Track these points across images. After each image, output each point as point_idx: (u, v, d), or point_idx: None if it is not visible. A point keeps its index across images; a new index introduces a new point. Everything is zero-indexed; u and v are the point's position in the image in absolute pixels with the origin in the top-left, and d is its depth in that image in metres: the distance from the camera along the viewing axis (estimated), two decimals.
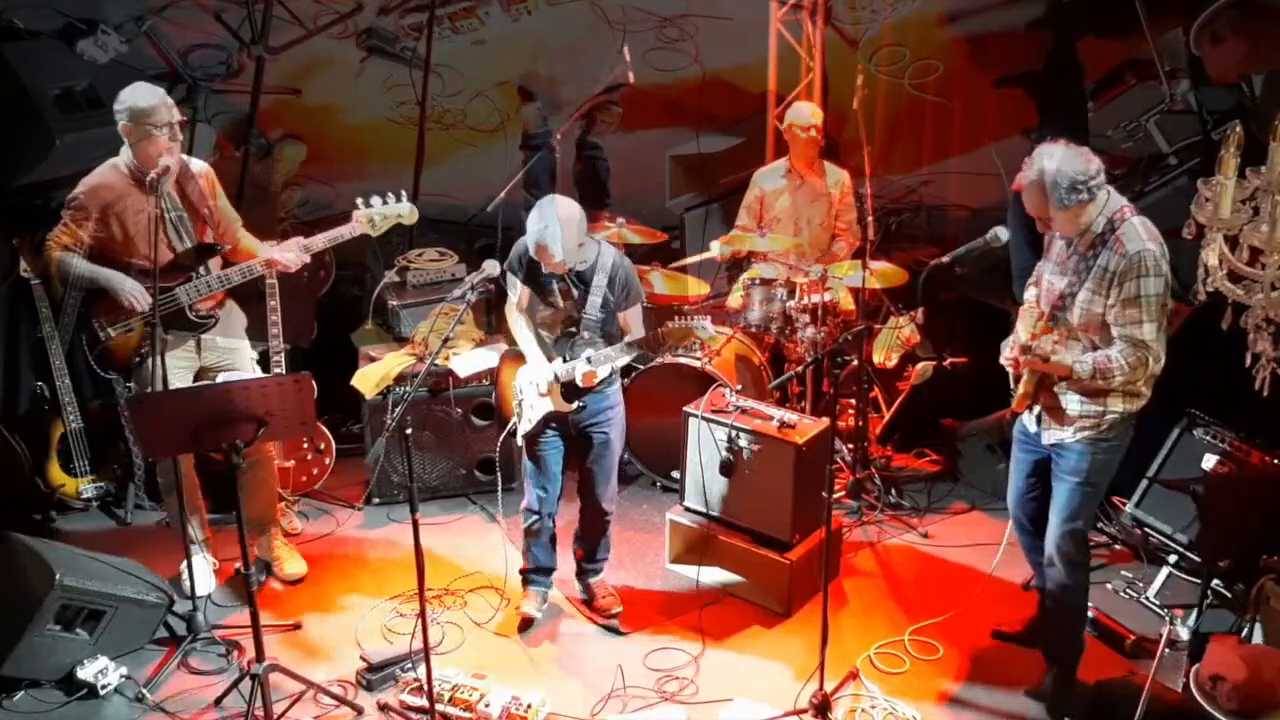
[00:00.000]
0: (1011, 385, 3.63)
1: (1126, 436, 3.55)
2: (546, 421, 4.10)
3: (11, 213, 5.13)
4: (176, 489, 4.28)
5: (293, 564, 4.65)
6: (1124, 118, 5.66)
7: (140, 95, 4.03)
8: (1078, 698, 3.77)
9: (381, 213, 4.26)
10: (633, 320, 4.07)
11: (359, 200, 4.25)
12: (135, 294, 4.08)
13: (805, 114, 5.46)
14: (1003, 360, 3.63)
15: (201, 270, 4.22)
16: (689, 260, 5.88)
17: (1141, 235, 3.32)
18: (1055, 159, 3.30)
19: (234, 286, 4.29)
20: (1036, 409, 3.60)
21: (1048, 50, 5.41)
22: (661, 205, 6.95)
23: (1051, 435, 3.59)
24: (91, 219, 4.04)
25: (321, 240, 4.23)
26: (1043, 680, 3.83)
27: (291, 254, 4.22)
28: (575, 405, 4.03)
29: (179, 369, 4.26)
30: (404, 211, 4.31)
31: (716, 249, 5.56)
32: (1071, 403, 3.49)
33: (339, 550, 4.89)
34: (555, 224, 3.74)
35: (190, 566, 4.22)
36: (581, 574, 4.46)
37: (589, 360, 3.93)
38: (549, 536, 4.33)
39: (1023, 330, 3.62)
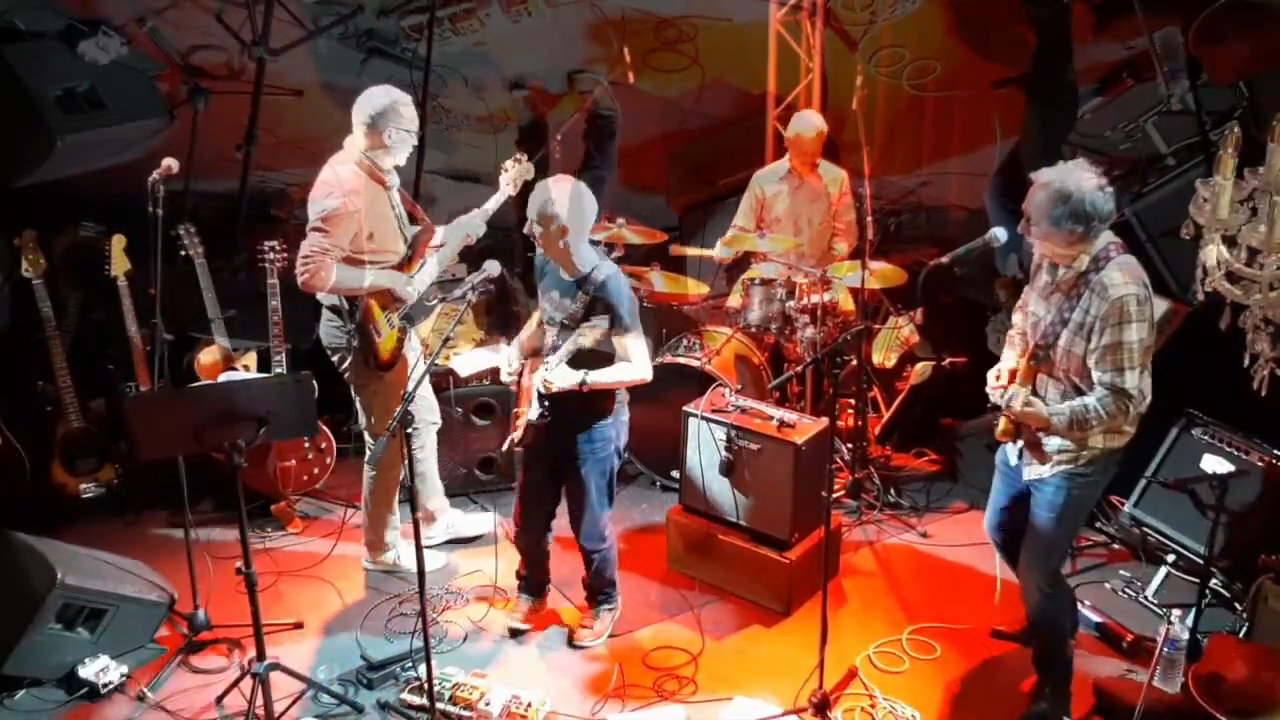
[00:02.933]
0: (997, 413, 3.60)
1: (1107, 474, 3.49)
2: (532, 431, 3.97)
3: (13, 213, 5.14)
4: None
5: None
6: (1122, 118, 5.67)
7: (402, 99, 4.10)
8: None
9: (518, 173, 4.43)
10: (626, 349, 3.86)
11: (502, 166, 4.45)
12: (408, 289, 4.23)
13: (810, 126, 5.44)
14: (989, 390, 3.58)
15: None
16: (689, 251, 5.88)
17: (1124, 278, 3.22)
18: (1081, 181, 3.18)
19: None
20: (1019, 443, 3.56)
21: (1038, 50, 5.42)
22: (662, 205, 6.96)
23: (1031, 471, 3.55)
24: (352, 227, 4.04)
25: (492, 205, 4.39)
26: (1036, 697, 3.81)
27: (479, 225, 4.39)
28: (538, 412, 3.89)
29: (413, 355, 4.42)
30: (529, 170, 4.46)
31: (719, 251, 5.57)
32: (1051, 438, 3.44)
33: (340, 549, 4.88)
34: (563, 192, 3.74)
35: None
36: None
37: (547, 368, 3.87)
38: (540, 550, 4.28)
39: (1009, 361, 3.59)
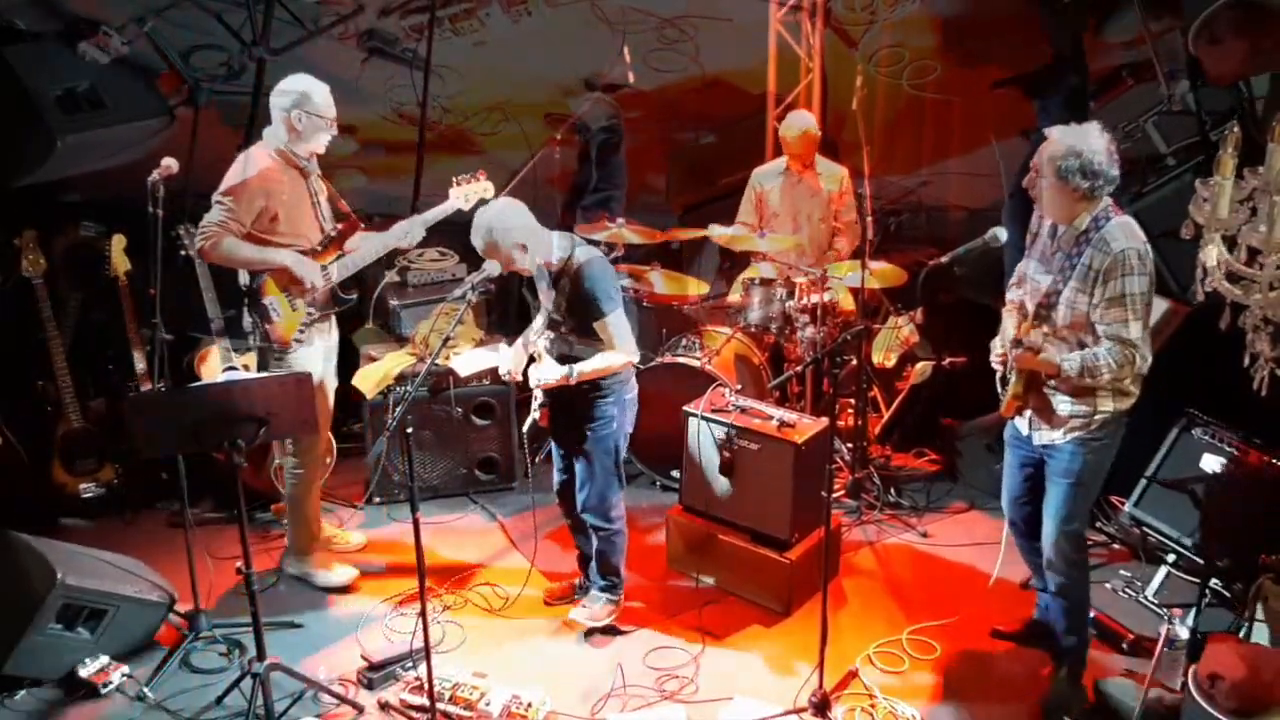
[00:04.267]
0: (999, 389, 3.65)
1: (1117, 435, 3.56)
2: (541, 418, 4.07)
3: (13, 213, 5.14)
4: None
5: (352, 536, 4.94)
6: (1122, 119, 5.67)
7: (316, 87, 4.16)
8: (1078, 698, 3.78)
9: (473, 191, 4.46)
10: (609, 333, 3.88)
11: (454, 179, 4.46)
12: (314, 274, 4.25)
13: (795, 127, 5.47)
14: (992, 361, 3.66)
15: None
16: (687, 234, 5.85)
17: (1125, 234, 3.34)
18: (1093, 141, 3.30)
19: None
20: (1027, 412, 3.61)
21: (1053, 51, 5.42)
22: (661, 205, 6.96)
23: (1042, 436, 3.60)
24: (256, 205, 4.11)
25: (434, 214, 4.42)
26: (1050, 682, 3.83)
27: (417, 231, 4.42)
28: (539, 402, 4.00)
29: (322, 348, 4.42)
30: (488, 189, 4.49)
31: (715, 231, 5.56)
32: (1061, 403, 3.51)
33: (340, 549, 4.88)
34: (492, 221, 3.79)
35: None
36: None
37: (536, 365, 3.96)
38: (578, 520, 4.26)
39: (1010, 329, 3.63)
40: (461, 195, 4.45)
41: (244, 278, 4.30)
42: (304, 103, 4.12)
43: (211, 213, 4.12)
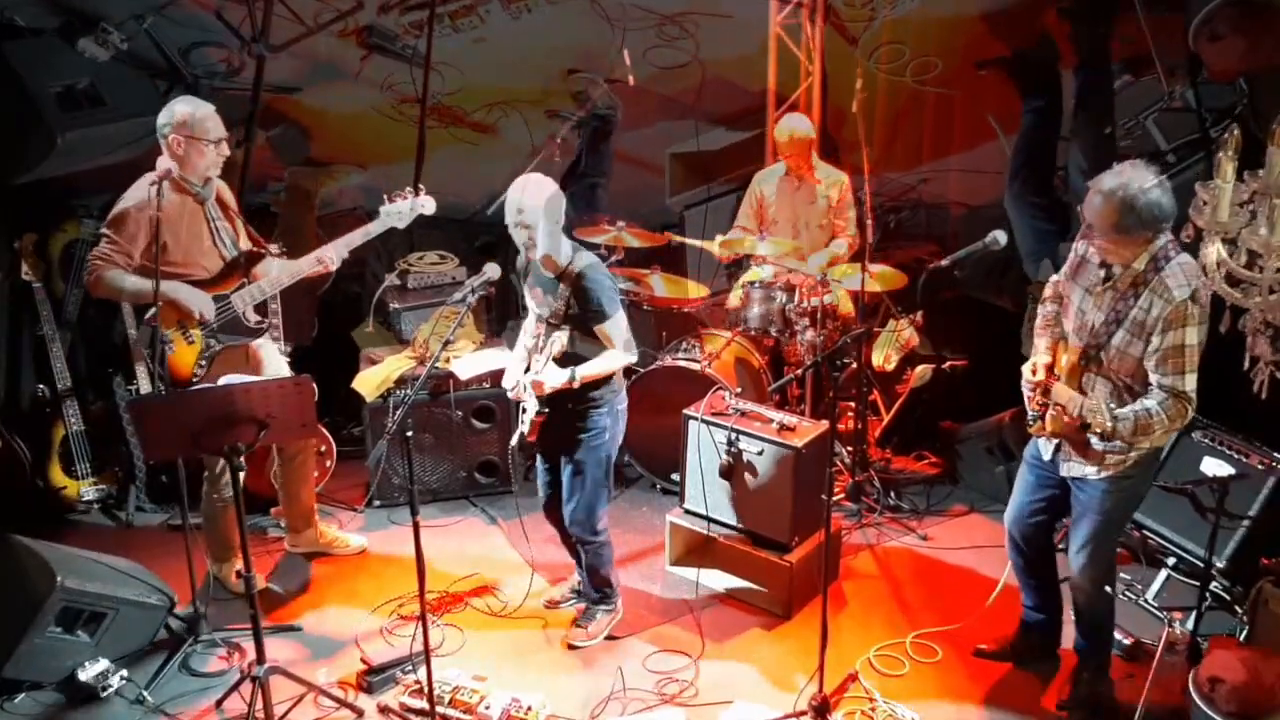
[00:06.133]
0: (1028, 406, 3.53)
1: (1151, 470, 3.51)
2: (536, 427, 4.02)
3: (13, 213, 5.13)
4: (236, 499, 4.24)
5: (352, 539, 4.90)
6: (1122, 115, 5.67)
7: (191, 108, 4.04)
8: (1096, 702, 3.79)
9: (404, 208, 4.33)
10: (608, 336, 3.87)
11: (385, 196, 4.32)
12: (202, 304, 4.11)
13: (784, 131, 5.45)
14: (1024, 387, 3.53)
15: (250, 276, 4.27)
16: (689, 241, 5.86)
17: (1187, 278, 3.19)
18: (1145, 181, 3.16)
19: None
20: (1055, 439, 3.53)
21: (1079, 64, 5.44)
22: (661, 203, 6.96)
23: (1071, 468, 3.53)
24: (142, 235, 4.01)
25: (358, 236, 4.30)
26: (1077, 682, 3.85)
27: (333, 252, 4.28)
28: (536, 409, 3.94)
29: (234, 375, 4.20)
30: (425, 204, 4.37)
31: (718, 246, 5.55)
32: (1096, 439, 3.41)
33: (340, 552, 4.88)
34: (534, 195, 3.74)
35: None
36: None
37: (536, 370, 3.91)
38: (565, 534, 4.26)
39: (1042, 353, 3.54)
40: (395, 213, 4.31)
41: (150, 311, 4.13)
42: (181, 127, 4.00)
43: (98, 245, 4.02)
